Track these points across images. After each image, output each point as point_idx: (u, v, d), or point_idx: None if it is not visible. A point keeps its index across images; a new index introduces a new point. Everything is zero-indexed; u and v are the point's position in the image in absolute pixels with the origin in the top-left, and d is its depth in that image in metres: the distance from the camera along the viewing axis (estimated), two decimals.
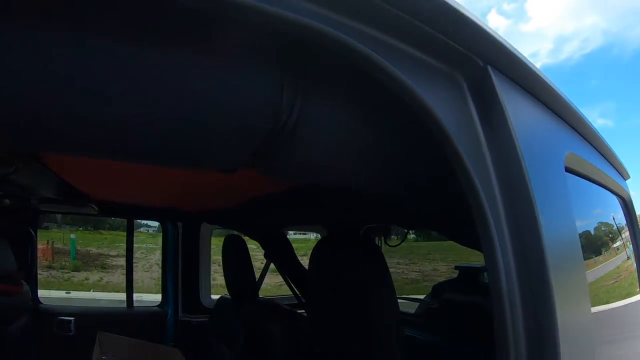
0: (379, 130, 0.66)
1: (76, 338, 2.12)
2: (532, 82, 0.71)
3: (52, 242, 7.11)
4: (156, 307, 2.59)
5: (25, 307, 1.87)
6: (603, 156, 1.23)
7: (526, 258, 0.57)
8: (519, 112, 0.64)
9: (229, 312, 1.99)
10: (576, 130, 0.96)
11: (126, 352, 1.29)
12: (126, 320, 2.41)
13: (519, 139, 0.60)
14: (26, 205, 2.18)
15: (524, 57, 0.66)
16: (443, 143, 0.56)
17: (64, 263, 7.13)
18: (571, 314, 0.63)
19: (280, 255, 2.43)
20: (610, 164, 1.31)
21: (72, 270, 7.14)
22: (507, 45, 0.62)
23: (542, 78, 0.72)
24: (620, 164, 1.42)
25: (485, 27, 0.59)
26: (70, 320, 2.15)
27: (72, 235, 7.75)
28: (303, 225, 2.76)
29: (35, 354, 1.84)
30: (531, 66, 0.69)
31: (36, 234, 2.35)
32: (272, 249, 2.45)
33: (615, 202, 1.45)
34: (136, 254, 2.89)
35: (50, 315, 2.17)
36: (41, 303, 2.26)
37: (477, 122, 0.60)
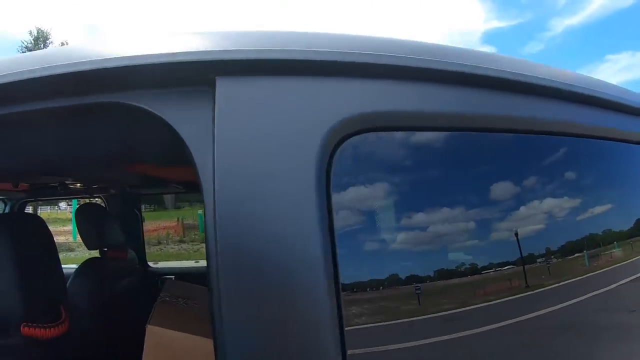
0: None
1: None
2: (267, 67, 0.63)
3: (182, 220, 8.20)
4: None
5: (131, 269, 2.34)
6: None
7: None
8: (237, 115, 0.61)
9: None
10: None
11: (182, 292, 1.59)
12: None
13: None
14: (126, 192, 2.71)
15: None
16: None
17: (193, 236, 8.17)
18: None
19: None
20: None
21: (201, 242, 8.14)
22: (230, 49, 0.63)
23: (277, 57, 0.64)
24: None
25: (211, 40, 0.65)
26: (171, 279, 2.64)
27: (199, 211, 8.79)
28: None
29: (142, 307, 2.32)
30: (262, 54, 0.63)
31: (140, 214, 2.89)
32: None
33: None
34: None
35: (156, 276, 2.69)
36: (150, 267, 2.80)
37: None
